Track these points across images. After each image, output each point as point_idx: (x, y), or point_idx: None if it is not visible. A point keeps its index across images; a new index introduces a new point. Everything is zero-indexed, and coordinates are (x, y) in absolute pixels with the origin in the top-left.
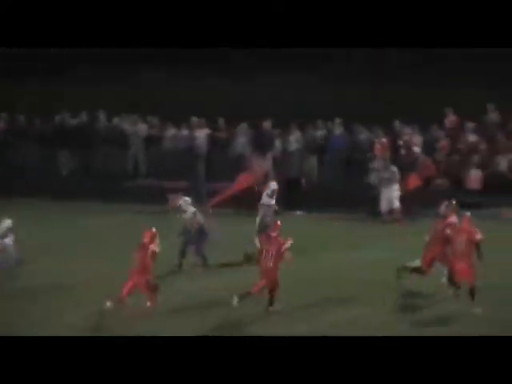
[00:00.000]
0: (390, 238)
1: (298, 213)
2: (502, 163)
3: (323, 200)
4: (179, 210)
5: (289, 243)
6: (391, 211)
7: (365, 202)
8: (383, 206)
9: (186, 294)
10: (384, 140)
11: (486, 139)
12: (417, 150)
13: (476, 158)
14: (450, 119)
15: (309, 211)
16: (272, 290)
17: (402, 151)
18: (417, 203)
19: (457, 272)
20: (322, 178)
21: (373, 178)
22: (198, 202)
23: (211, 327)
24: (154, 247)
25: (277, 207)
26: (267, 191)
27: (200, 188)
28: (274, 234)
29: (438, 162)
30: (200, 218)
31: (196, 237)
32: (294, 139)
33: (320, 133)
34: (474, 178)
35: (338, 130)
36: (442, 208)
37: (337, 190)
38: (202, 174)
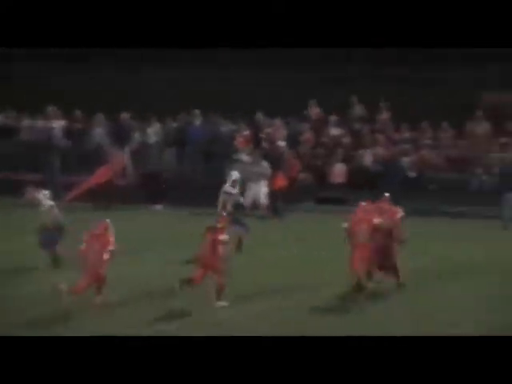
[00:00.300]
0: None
1: (158, 207)
2: (367, 157)
3: (183, 194)
4: (36, 203)
5: (225, 237)
6: (256, 206)
7: None
8: (248, 200)
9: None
10: (246, 132)
11: (350, 133)
12: (281, 144)
13: (340, 152)
14: (314, 111)
15: (168, 206)
16: (219, 283)
17: (265, 144)
18: (282, 199)
19: (354, 261)
20: (182, 171)
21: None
22: (53, 195)
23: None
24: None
25: (240, 198)
26: (229, 181)
27: (55, 181)
28: (220, 225)
29: (301, 155)
30: (57, 212)
31: (52, 231)
32: (153, 131)
33: (179, 125)
34: (338, 172)
35: (198, 121)
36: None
37: (197, 183)
38: (57, 166)
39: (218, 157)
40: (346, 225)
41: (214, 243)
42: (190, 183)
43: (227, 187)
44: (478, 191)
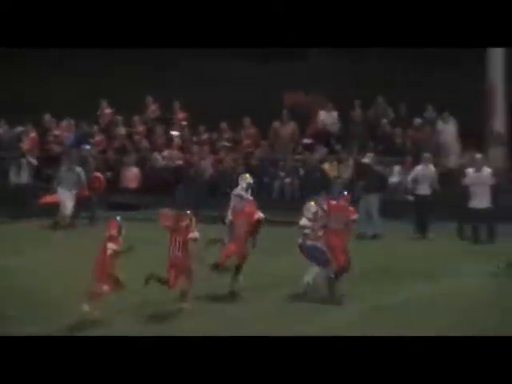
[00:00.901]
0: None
1: None
2: (160, 160)
3: None
4: None
5: (196, 234)
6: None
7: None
8: (68, 209)
9: None
10: (33, 134)
11: (144, 134)
12: (86, 147)
13: (133, 155)
14: (105, 112)
15: None
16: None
17: (54, 147)
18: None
19: (228, 252)
20: None
21: (25, 176)
22: None
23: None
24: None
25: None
26: (242, 184)
27: None
28: (183, 224)
29: (93, 158)
30: None
31: None
32: None
33: None
34: (131, 176)
35: None
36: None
37: None
38: None
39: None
40: (229, 217)
41: (184, 243)
42: None
43: (239, 190)
44: (280, 195)
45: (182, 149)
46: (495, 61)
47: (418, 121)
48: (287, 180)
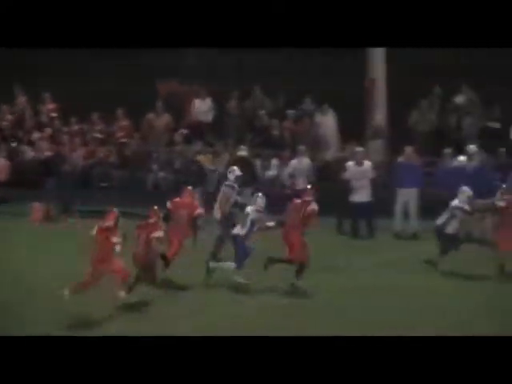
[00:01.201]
0: None
1: None
2: (29, 152)
3: None
4: None
5: (159, 233)
6: None
7: None
8: None
9: None
10: None
11: (12, 124)
12: None
13: (1, 146)
14: None
15: None
16: (138, 278)
17: None
18: None
19: (172, 247)
20: None
21: None
22: None
23: None
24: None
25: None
26: (230, 177)
27: None
28: (151, 221)
29: None
30: None
31: None
32: None
33: None
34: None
35: None
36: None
37: None
38: None
39: None
40: (168, 205)
41: (148, 241)
42: None
43: (231, 182)
44: (154, 189)
45: (52, 139)
46: (376, 56)
47: (291, 112)
48: (161, 173)
